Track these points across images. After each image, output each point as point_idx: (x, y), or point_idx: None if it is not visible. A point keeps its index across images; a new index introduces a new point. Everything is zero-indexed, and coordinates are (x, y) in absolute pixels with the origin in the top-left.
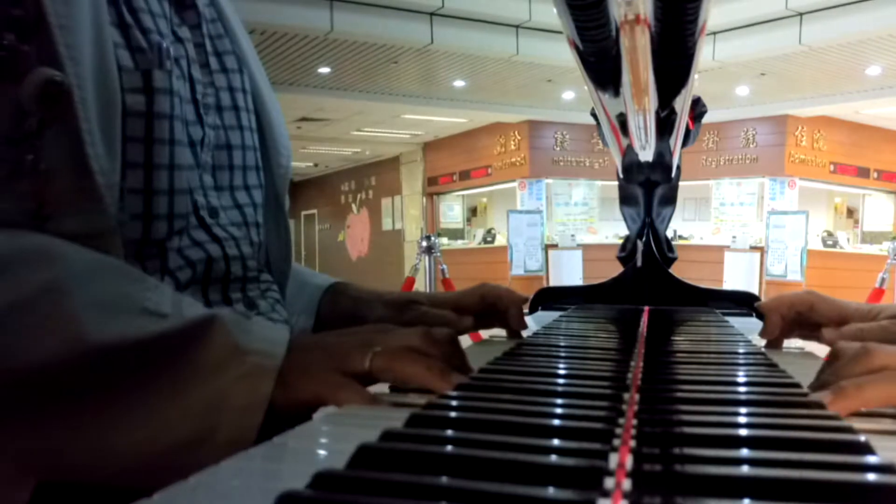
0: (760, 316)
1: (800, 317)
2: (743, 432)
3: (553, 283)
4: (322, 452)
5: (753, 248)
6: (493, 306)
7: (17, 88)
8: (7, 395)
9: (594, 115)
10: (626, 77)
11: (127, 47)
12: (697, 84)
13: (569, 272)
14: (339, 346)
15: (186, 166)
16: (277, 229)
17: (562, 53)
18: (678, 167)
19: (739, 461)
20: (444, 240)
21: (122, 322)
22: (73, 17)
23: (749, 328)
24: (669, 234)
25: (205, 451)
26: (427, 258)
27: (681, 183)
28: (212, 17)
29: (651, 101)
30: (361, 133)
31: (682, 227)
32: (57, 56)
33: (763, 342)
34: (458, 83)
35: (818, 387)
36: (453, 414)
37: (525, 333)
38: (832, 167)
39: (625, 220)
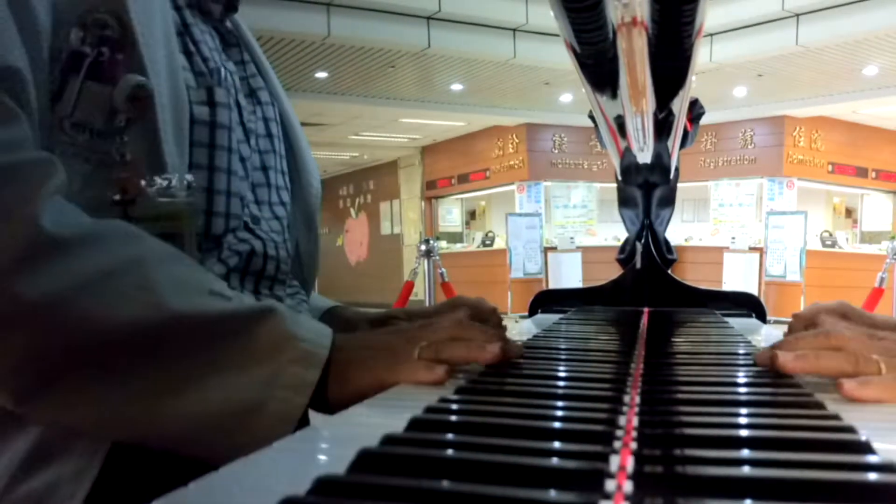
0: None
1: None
2: (744, 433)
3: (552, 285)
4: (323, 457)
5: (752, 249)
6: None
7: (112, 90)
8: (92, 353)
9: (592, 117)
10: (623, 79)
11: (191, 70)
12: (695, 85)
13: (568, 275)
14: (387, 342)
15: (240, 174)
16: (308, 241)
17: (559, 56)
18: (676, 168)
19: (740, 462)
20: (443, 243)
21: (195, 298)
22: (152, 36)
23: (749, 328)
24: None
25: (255, 423)
26: (426, 262)
27: (679, 184)
28: (246, 59)
29: (649, 103)
30: (359, 137)
31: (681, 228)
32: (143, 66)
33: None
34: (456, 87)
35: (777, 347)
36: (454, 418)
37: (524, 337)
38: (830, 167)
39: (624, 222)
